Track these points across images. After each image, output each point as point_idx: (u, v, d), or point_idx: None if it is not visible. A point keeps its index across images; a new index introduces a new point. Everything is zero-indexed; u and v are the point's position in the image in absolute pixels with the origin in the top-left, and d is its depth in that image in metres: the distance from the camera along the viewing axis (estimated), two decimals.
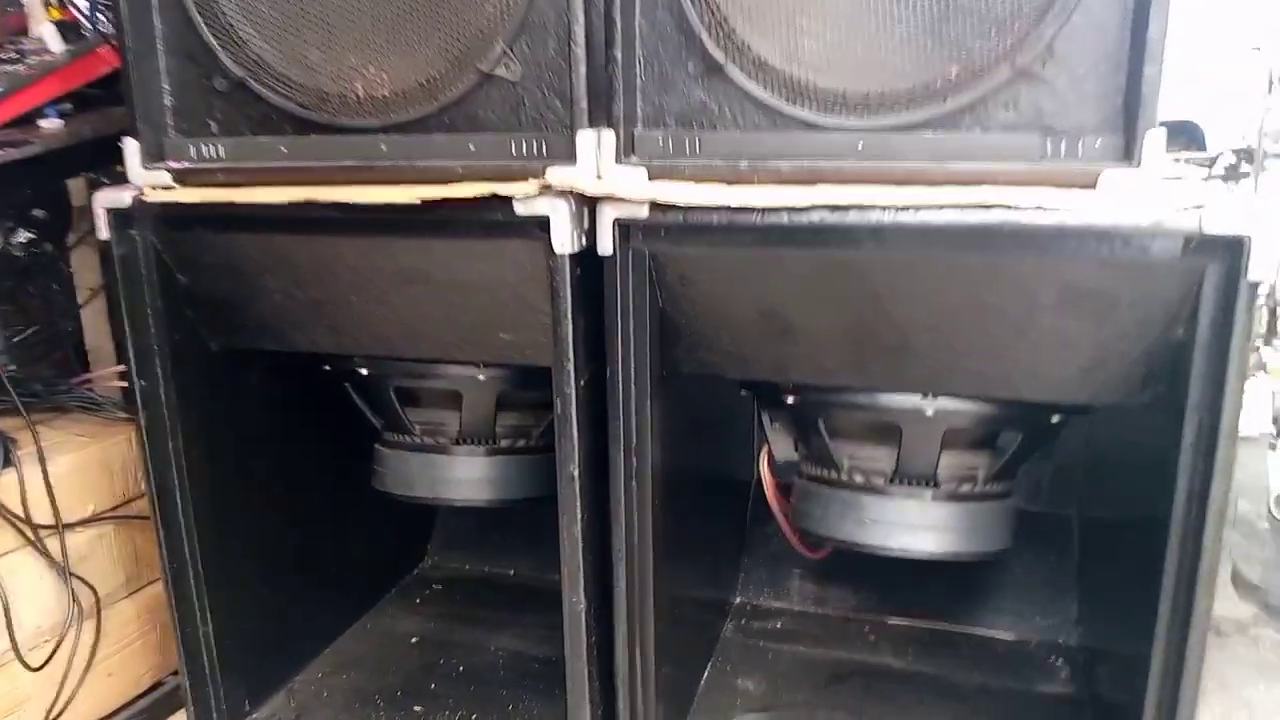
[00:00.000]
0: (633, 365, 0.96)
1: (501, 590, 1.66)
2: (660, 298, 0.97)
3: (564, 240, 0.91)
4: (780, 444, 1.19)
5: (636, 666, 1.05)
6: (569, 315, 0.94)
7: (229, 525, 1.24)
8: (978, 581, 1.54)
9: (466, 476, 1.22)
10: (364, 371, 1.17)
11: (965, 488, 1.08)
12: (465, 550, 1.75)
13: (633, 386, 0.96)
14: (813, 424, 1.08)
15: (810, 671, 1.40)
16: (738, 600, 1.61)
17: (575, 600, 1.02)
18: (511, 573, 1.71)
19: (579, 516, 0.99)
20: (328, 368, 1.27)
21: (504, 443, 1.24)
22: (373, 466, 1.29)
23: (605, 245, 0.91)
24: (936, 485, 1.08)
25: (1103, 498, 1.38)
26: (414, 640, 1.49)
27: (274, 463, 1.33)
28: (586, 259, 0.94)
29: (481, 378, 1.15)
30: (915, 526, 1.06)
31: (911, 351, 0.95)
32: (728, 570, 1.57)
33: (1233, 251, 0.79)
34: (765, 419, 1.18)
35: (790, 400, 1.06)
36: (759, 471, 1.21)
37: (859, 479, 1.09)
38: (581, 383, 0.97)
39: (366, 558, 1.57)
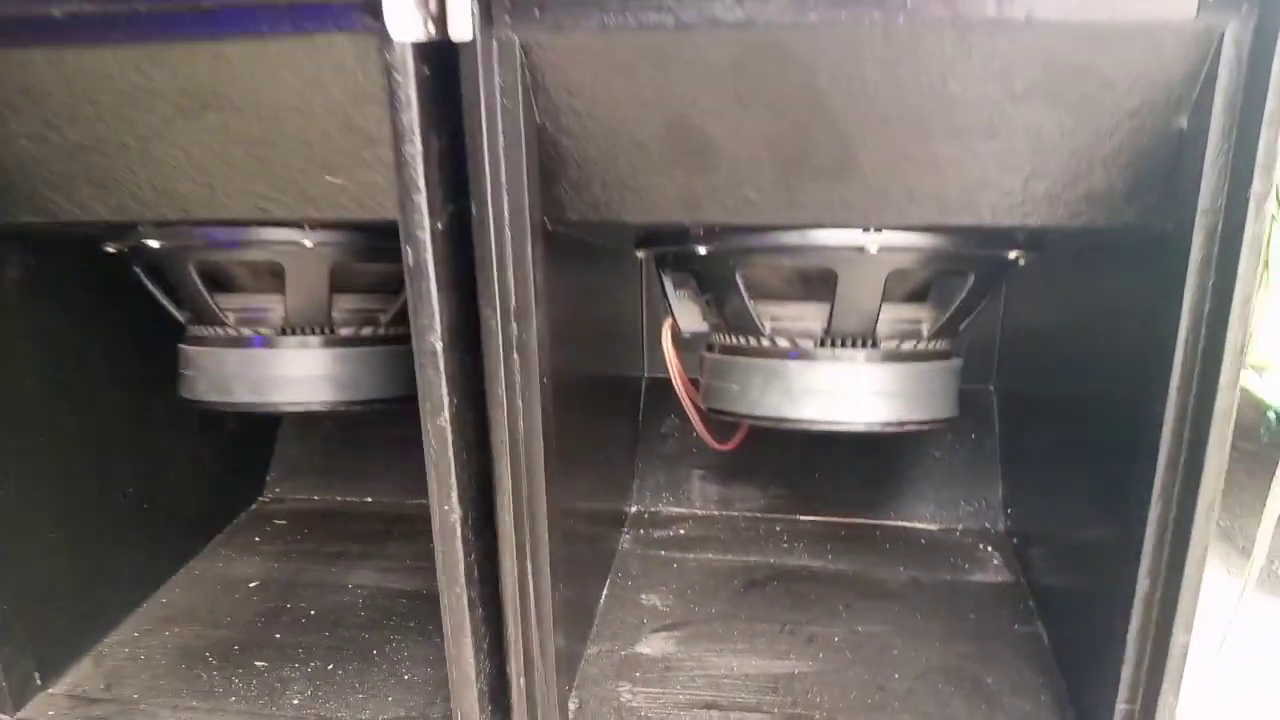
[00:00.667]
0: (505, 201, 0.74)
1: (358, 520, 1.42)
2: (537, 108, 0.74)
3: (404, 23, 0.67)
4: (686, 314, 0.98)
5: (529, 586, 0.84)
6: (415, 132, 0.71)
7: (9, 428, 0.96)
8: (892, 470, 1.40)
9: (299, 374, 0.97)
10: (153, 244, 0.90)
11: (908, 345, 0.90)
12: (312, 479, 1.50)
13: (506, 229, 0.74)
14: (728, 280, 0.88)
15: (722, 580, 1.23)
16: (633, 509, 1.42)
17: (447, 509, 0.80)
18: (368, 500, 1.47)
19: (445, 403, 0.77)
20: (110, 248, 0.99)
21: (344, 331, 0.99)
22: (178, 370, 1.02)
23: (462, 28, 0.68)
24: (874, 345, 0.90)
25: (1030, 370, 1.25)
26: (253, 585, 1.24)
27: (52, 377, 1.05)
28: (438, 54, 0.70)
29: (308, 244, 0.90)
30: (855, 394, 0.88)
31: (855, 170, 0.76)
32: (621, 476, 1.38)
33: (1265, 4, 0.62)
34: (667, 285, 0.98)
35: (702, 250, 0.86)
36: (664, 349, 1.00)
37: (783, 344, 0.90)
38: (439, 226, 0.74)
39: (188, 491, 1.30)
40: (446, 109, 0.73)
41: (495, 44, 0.69)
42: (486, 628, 0.86)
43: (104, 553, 1.14)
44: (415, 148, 0.71)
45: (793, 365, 0.89)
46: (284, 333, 0.98)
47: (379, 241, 0.93)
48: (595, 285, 1.13)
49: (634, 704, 0.99)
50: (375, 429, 1.53)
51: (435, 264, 0.74)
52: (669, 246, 0.92)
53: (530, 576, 0.84)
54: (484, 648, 0.86)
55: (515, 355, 0.77)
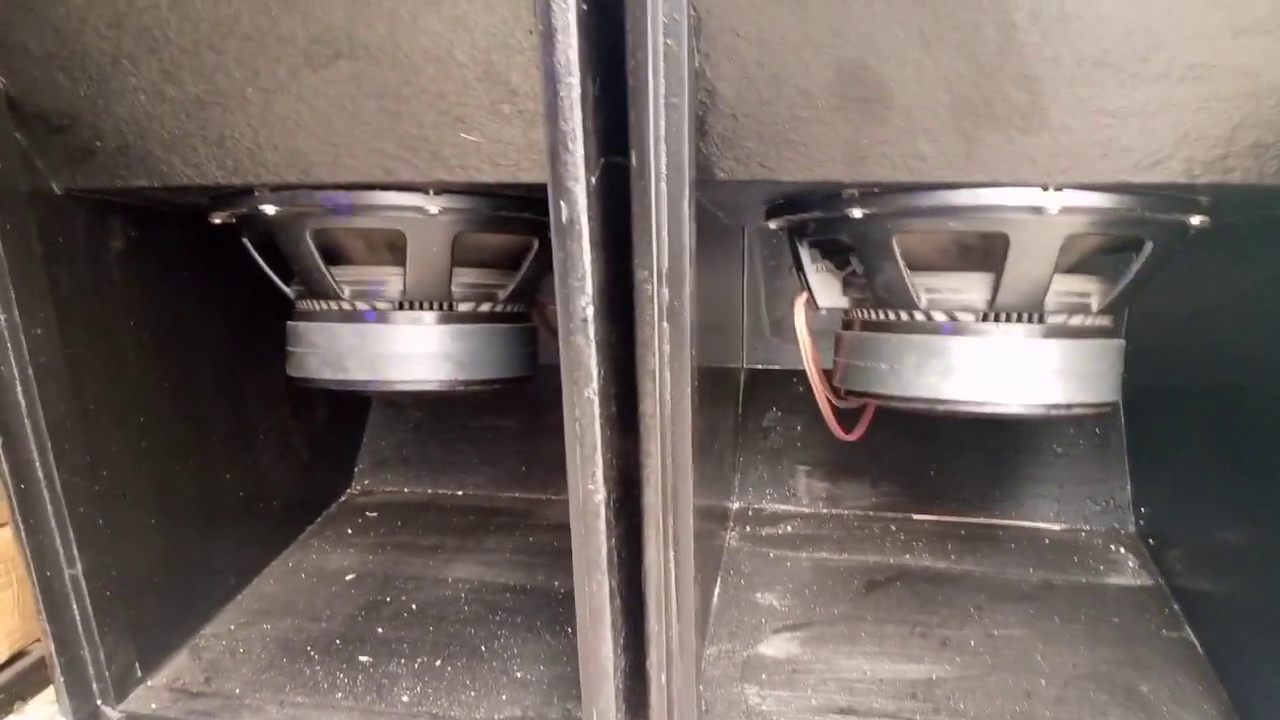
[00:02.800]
0: (664, 154, 0.67)
1: (451, 513, 1.36)
2: (697, 51, 0.68)
3: None
4: (824, 289, 0.92)
5: (671, 577, 0.78)
6: (574, 74, 0.65)
7: (95, 436, 0.92)
8: (1011, 467, 1.32)
9: (417, 351, 0.91)
10: (269, 210, 0.85)
11: (1076, 321, 0.83)
12: (401, 470, 1.45)
13: (664, 185, 0.68)
14: (882, 248, 0.81)
15: (840, 579, 1.16)
16: (736, 505, 1.35)
17: (591, 489, 0.74)
18: (460, 493, 1.41)
19: (595, 374, 0.71)
20: (217, 218, 0.94)
21: (464, 307, 0.94)
22: (287, 349, 0.97)
23: None
24: (1041, 319, 0.82)
25: (1165, 357, 1.16)
26: (349, 578, 1.18)
27: (151, 352, 1.01)
28: None
29: (433, 210, 0.84)
30: (1023, 372, 0.81)
31: (1043, 119, 0.69)
32: (725, 471, 1.31)
33: None
34: (804, 256, 0.91)
35: (857, 214, 0.79)
36: (796, 327, 0.94)
37: (940, 318, 0.83)
38: (592, 180, 0.68)
39: (281, 479, 1.26)
40: (600, 56, 0.67)
41: None
42: (624, 619, 0.80)
43: (200, 541, 1.09)
44: (572, 92, 0.65)
45: (953, 341, 0.82)
46: (401, 307, 0.92)
47: (502, 210, 0.88)
48: (704, 265, 1.07)
49: (763, 707, 0.93)
50: (464, 420, 1.48)
51: (589, 222, 0.68)
52: (811, 213, 0.86)
53: (673, 566, 0.78)
54: (621, 641, 0.80)
55: (666, 323, 0.71)
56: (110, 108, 0.81)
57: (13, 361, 0.84)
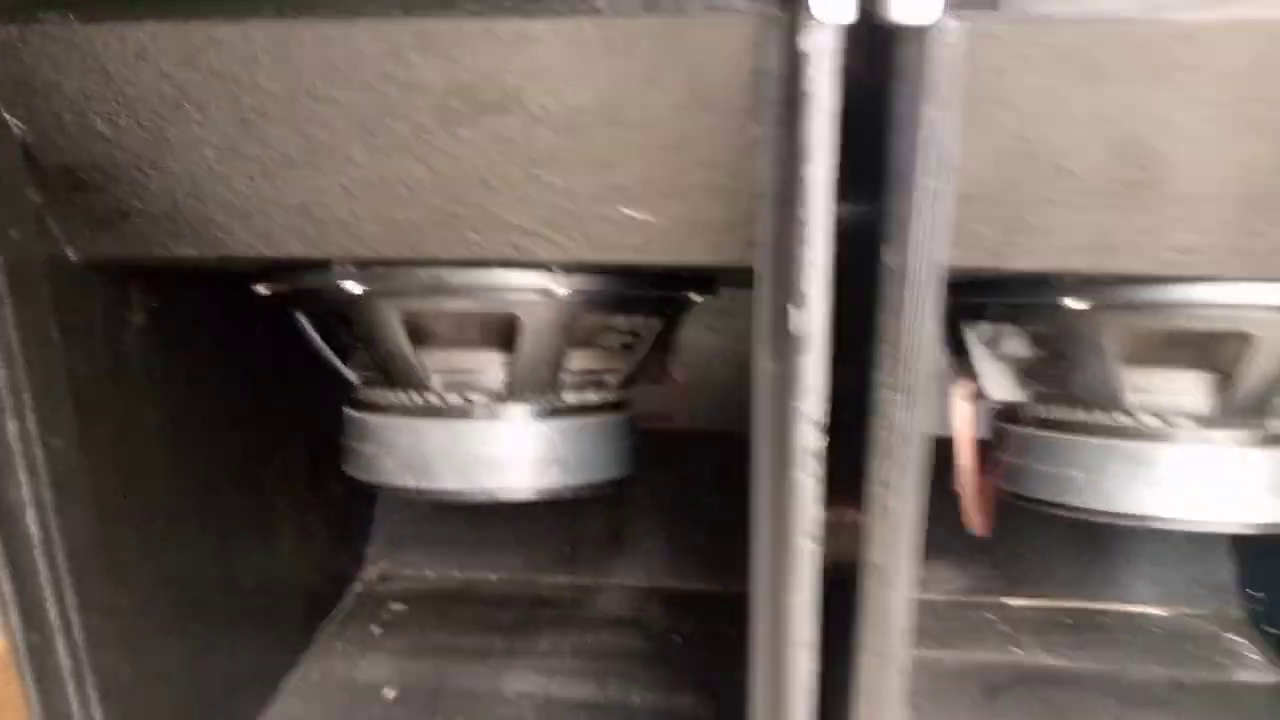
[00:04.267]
0: (926, 251, 0.54)
1: (489, 603, 1.20)
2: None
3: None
4: (995, 379, 0.79)
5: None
6: (823, 149, 0.51)
7: (116, 561, 0.75)
8: (1102, 543, 1.22)
9: (522, 453, 0.76)
10: (355, 290, 0.69)
11: None
12: (422, 549, 1.28)
13: (923, 287, 0.55)
14: (1094, 342, 0.69)
15: (952, 682, 1.04)
16: None
17: (796, 646, 0.59)
18: (495, 578, 1.25)
19: (811, 521, 0.57)
20: (263, 289, 0.77)
21: (570, 397, 0.79)
22: (348, 443, 0.80)
23: (917, 7, 0.48)
24: (1260, 426, 0.72)
25: None
26: (391, 695, 1.02)
27: (172, 446, 0.83)
28: (859, 42, 0.51)
29: (560, 292, 0.69)
30: (1245, 487, 0.70)
31: None
32: None
33: None
34: (971, 340, 0.79)
35: (1079, 305, 0.67)
36: (955, 418, 0.81)
37: (1152, 422, 0.71)
38: (829, 280, 0.55)
39: (300, 570, 1.08)
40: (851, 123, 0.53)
41: (951, 33, 0.50)
42: None
43: (221, 657, 0.92)
44: (817, 170, 0.51)
45: (1173, 450, 0.71)
46: (500, 400, 0.76)
47: (633, 289, 0.73)
48: None
49: None
50: None
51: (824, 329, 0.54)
52: (1006, 297, 0.73)
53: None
54: None
55: (907, 449, 0.58)
56: (162, 163, 0.64)
57: (24, 482, 0.66)
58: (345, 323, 0.83)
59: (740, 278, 0.60)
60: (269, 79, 0.59)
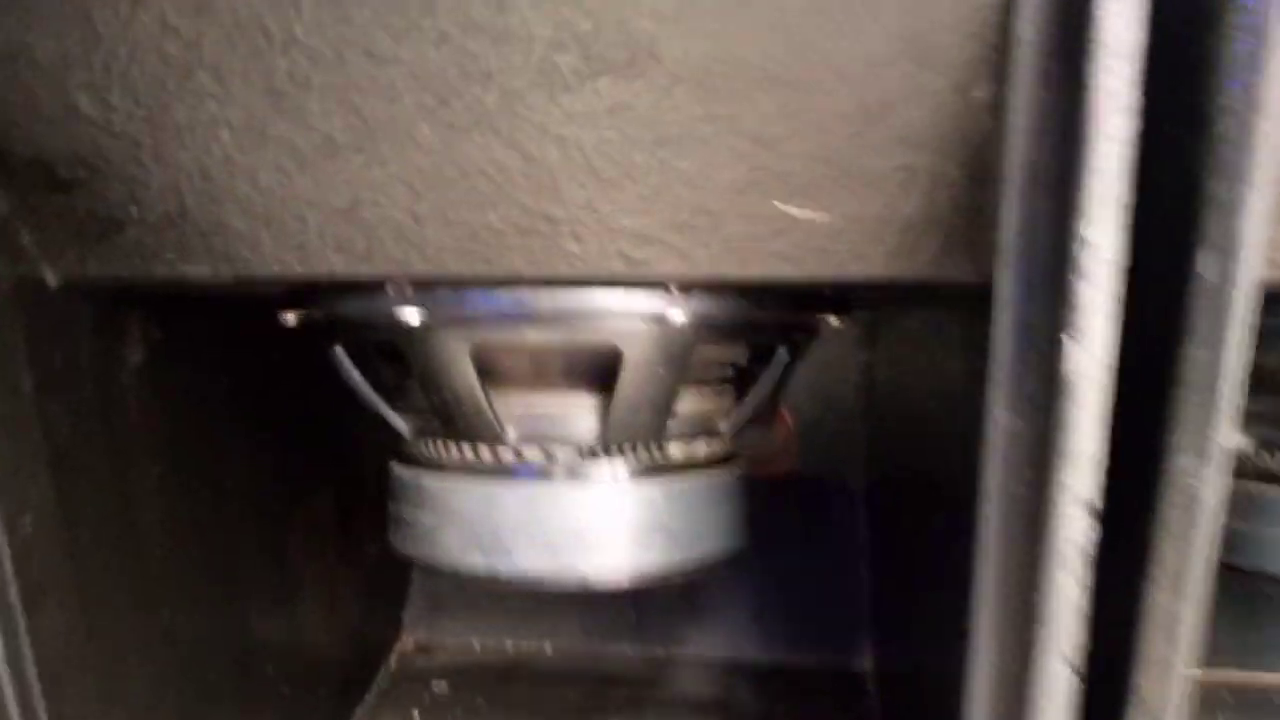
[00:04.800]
0: (1242, 254, 0.38)
1: (548, 682, 1.03)
2: None
3: None
4: None
5: None
6: (1122, 123, 0.34)
7: (107, 659, 0.58)
8: (1244, 609, 1.04)
9: (623, 524, 0.59)
10: (413, 320, 0.53)
11: None
12: (465, 615, 1.11)
13: (1243, 307, 0.38)
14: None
15: None
16: None
17: None
18: (550, 648, 1.08)
19: (1075, 633, 0.40)
20: (291, 317, 0.61)
21: (676, 449, 0.62)
22: (397, 513, 0.64)
23: None
24: None
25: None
26: None
27: (180, 509, 0.67)
28: None
29: (677, 318, 0.53)
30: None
31: None
32: None
33: None
34: None
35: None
36: None
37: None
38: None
39: (331, 645, 0.92)
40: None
41: None
42: None
43: None
44: (1114, 149, 0.35)
45: None
46: (592, 455, 0.60)
47: (760, 310, 0.57)
48: None
49: None
50: None
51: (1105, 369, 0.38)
52: None
53: None
54: None
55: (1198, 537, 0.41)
56: (166, 154, 0.48)
57: None
58: (394, 358, 0.67)
59: (886, 295, 0.44)
60: (309, 32, 0.43)
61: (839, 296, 0.63)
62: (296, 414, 0.83)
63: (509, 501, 0.60)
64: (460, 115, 0.45)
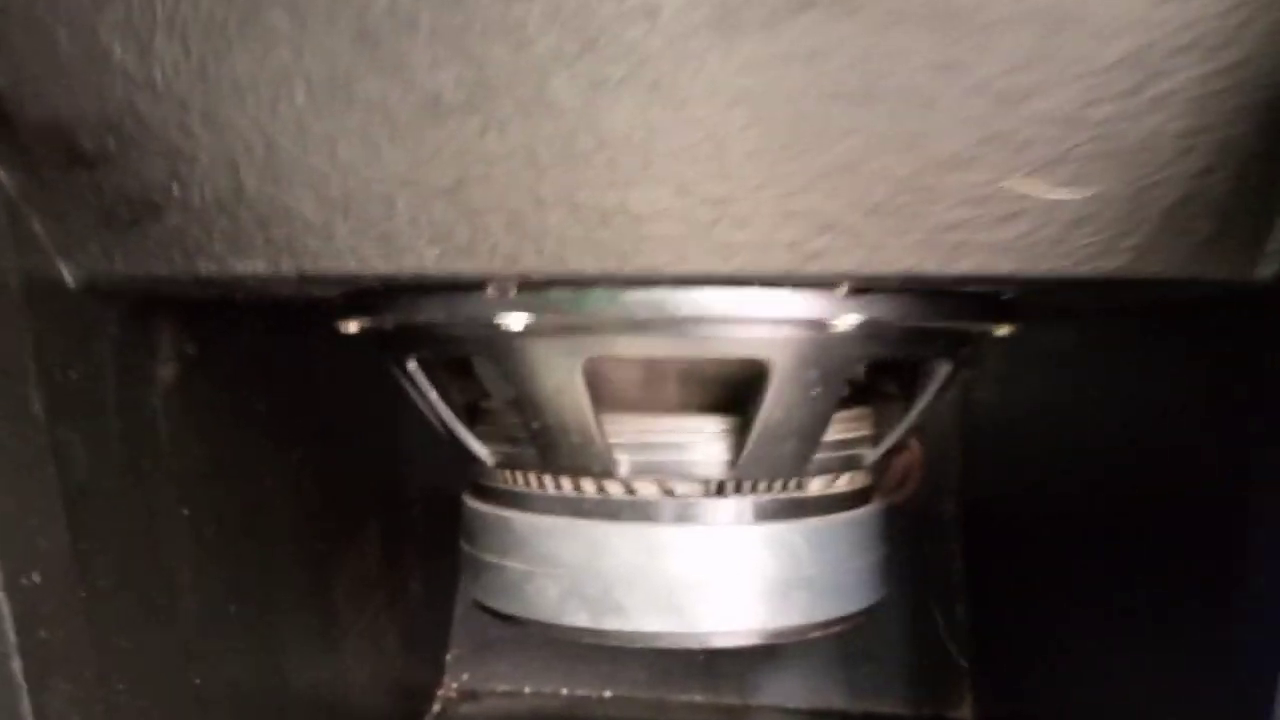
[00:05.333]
0: None
1: None
2: None
3: None
4: None
5: None
6: None
7: (125, 686, 0.48)
8: None
9: (759, 574, 0.49)
10: (516, 325, 0.42)
11: None
12: (515, 658, 1.00)
13: None
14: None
15: None
16: None
17: None
18: (609, 694, 0.97)
19: None
20: (358, 327, 0.51)
21: (816, 485, 0.52)
22: (474, 555, 0.53)
23: None
24: None
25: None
26: None
27: (215, 560, 0.56)
28: None
29: (840, 324, 0.43)
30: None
31: None
32: None
33: None
34: None
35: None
36: None
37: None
38: None
39: (369, 696, 0.80)
40: None
41: None
42: None
43: None
44: None
45: None
46: (720, 491, 0.50)
47: (939, 316, 0.47)
48: None
49: None
50: None
51: None
52: None
53: None
54: None
55: None
56: (219, 117, 0.38)
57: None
58: (466, 374, 0.56)
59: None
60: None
61: (1009, 302, 0.53)
62: (343, 440, 0.72)
63: (620, 546, 0.50)
64: (608, 65, 0.35)
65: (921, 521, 0.97)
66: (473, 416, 0.57)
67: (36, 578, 0.42)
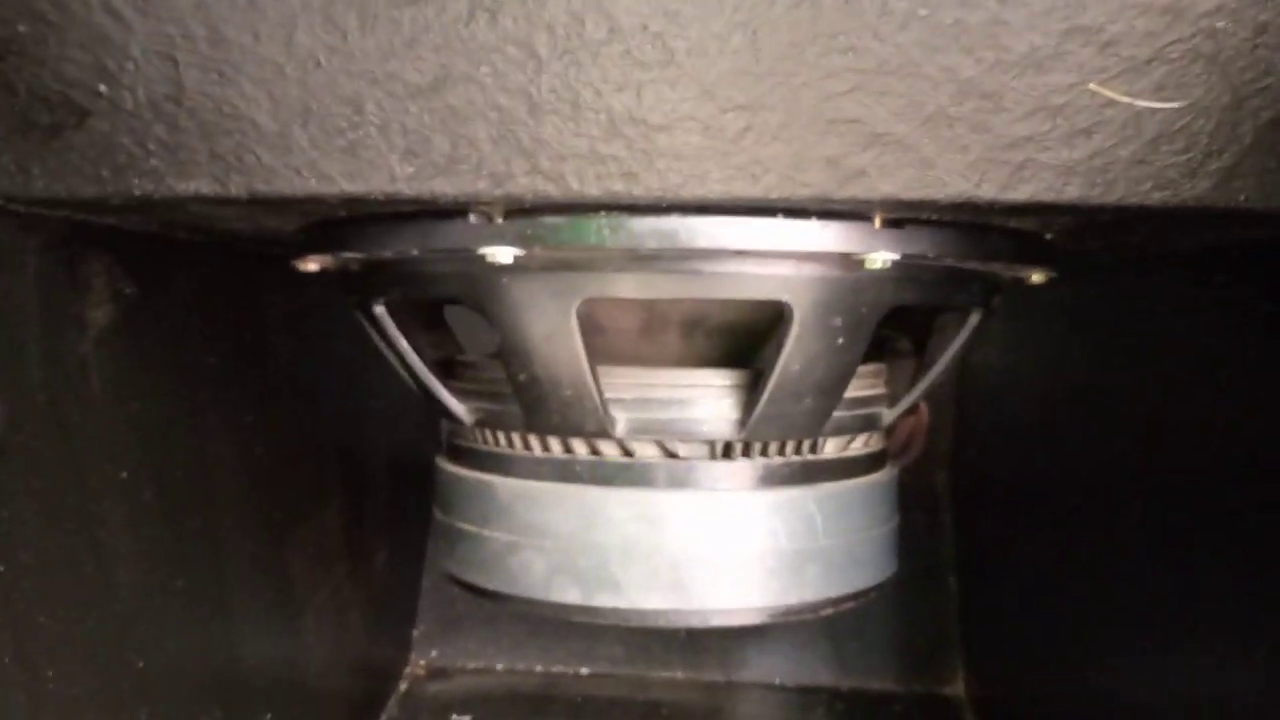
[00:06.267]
0: None
1: (584, 714, 0.87)
2: None
3: None
4: None
5: None
6: None
7: (52, 671, 0.41)
8: None
9: (770, 546, 0.44)
10: (504, 258, 0.36)
11: None
12: (487, 632, 0.94)
13: None
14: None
15: None
16: None
17: None
18: (586, 671, 0.92)
19: None
20: (318, 264, 0.45)
21: (831, 447, 0.47)
22: (451, 525, 0.48)
23: None
24: None
25: None
26: None
27: (157, 529, 0.50)
28: None
29: (877, 260, 0.37)
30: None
31: None
32: None
33: None
34: None
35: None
36: None
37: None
38: None
39: (323, 677, 0.75)
40: None
41: None
42: None
43: None
44: None
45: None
46: (728, 454, 0.44)
47: (979, 254, 0.41)
48: None
49: None
50: None
51: None
52: None
53: None
54: None
55: None
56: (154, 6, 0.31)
57: None
58: (437, 326, 0.50)
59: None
60: None
61: (1049, 244, 0.48)
62: (300, 396, 0.66)
63: (615, 515, 0.44)
64: None
65: (912, 491, 0.93)
66: (448, 371, 0.51)
67: None
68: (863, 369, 0.50)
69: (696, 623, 0.46)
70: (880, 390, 0.51)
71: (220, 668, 0.58)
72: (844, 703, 0.88)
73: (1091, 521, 0.68)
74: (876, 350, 0.54)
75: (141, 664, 0.49)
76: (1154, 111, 0.31)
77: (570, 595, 0.45)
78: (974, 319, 0.47)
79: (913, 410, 0.63)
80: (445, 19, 0.31)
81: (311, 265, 0.47)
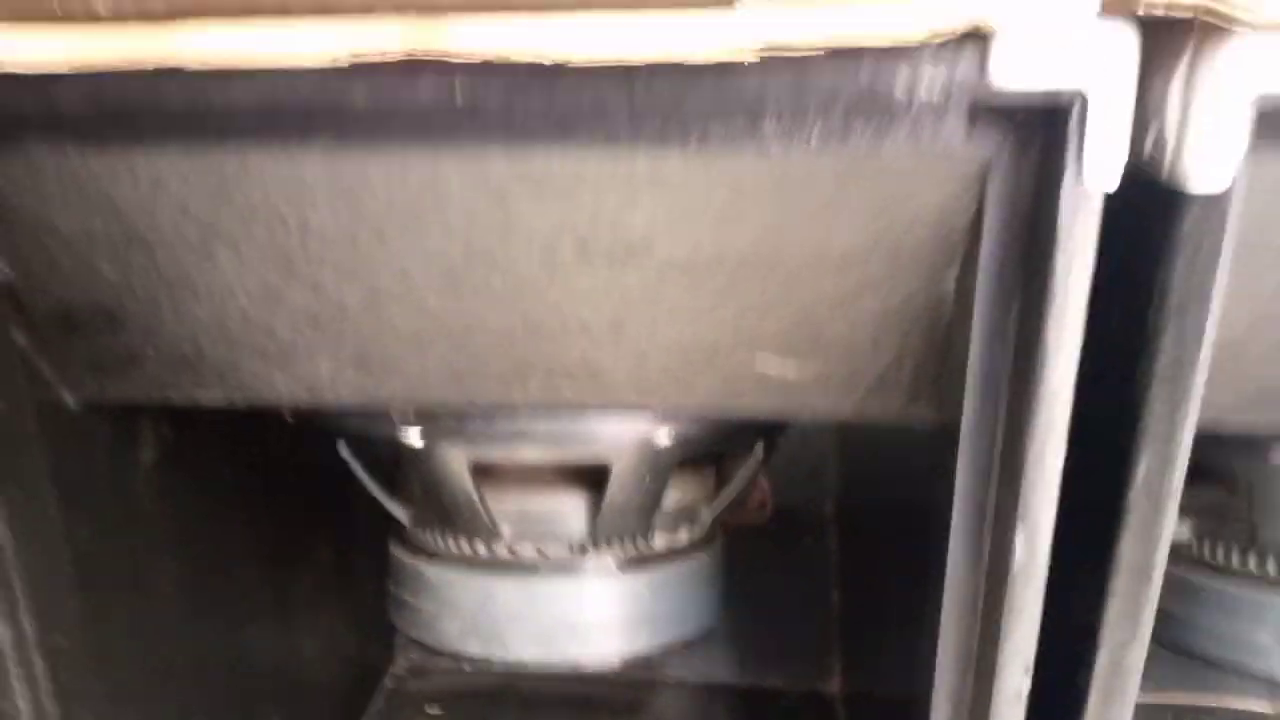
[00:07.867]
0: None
1: (540, 708, 1.08)
2: None
3: (1105, 156, 0.36)
4: None
5: None
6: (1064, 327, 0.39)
7: (130, 710, 0.63)
8: None
9: (612, 614, 0.64)
10: (416, 444, 0.56)
11: None
12: None
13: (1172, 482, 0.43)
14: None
15: None
16: None
17: None
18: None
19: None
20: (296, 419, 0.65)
21: (660, 540, 0.67)
22: (399, 596, 0.68)
23: (1220, 164, 0.36)
24: None
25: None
26: None
27: (196, 598, 0.71)
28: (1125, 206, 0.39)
29: (663, 442, 0.57)
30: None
31: None
32: None
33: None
34: None
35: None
36: None
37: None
38: None
39: (329, 687, 0.96)
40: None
41: (1256, 184, 0.38)
42: None
43: None
44: (1064, 359, 0.39)
45: None
46: (583, 551, 0.65)
47: (728, 429, 0.61)
48: None
49: None
50: None
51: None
52: None
53: None
54: None
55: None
56: (183, 308, 0.51)
57: (21, 702, 0.54)
58: (396, 462, 0.71)
59: None
60: (324, 218, 0.46)
61: None
62: (299, 489, 0.86)
63: (505, 594, 0.65)
64: (467, 291, 0.48)
65: (805, 519, 1.13)
66: (393, 481, 0.72)
67: (62, 641, 0.56)
68: (690, 477, 0.70)
69: (565, 668, 0.66)
70: (703, 493, 0.71)
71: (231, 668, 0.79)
72: (741, 697, 1.08)
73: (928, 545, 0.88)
74: (717, 455, 0.74)
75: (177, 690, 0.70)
76: (787, 378, 0.51)
77: (473, 648, 0.65)
78: (758, 451, 0.67)
79: (756, 486, 0.83)
80: (364, 326, 0.51)
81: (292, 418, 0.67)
